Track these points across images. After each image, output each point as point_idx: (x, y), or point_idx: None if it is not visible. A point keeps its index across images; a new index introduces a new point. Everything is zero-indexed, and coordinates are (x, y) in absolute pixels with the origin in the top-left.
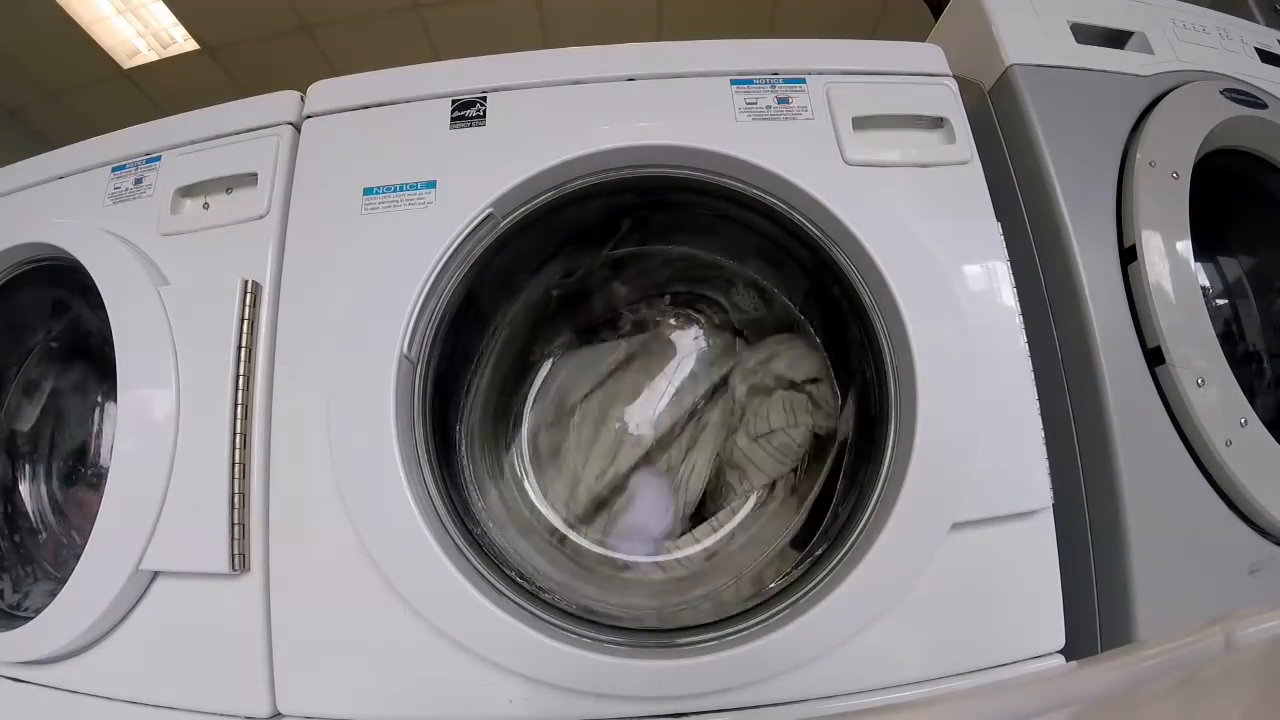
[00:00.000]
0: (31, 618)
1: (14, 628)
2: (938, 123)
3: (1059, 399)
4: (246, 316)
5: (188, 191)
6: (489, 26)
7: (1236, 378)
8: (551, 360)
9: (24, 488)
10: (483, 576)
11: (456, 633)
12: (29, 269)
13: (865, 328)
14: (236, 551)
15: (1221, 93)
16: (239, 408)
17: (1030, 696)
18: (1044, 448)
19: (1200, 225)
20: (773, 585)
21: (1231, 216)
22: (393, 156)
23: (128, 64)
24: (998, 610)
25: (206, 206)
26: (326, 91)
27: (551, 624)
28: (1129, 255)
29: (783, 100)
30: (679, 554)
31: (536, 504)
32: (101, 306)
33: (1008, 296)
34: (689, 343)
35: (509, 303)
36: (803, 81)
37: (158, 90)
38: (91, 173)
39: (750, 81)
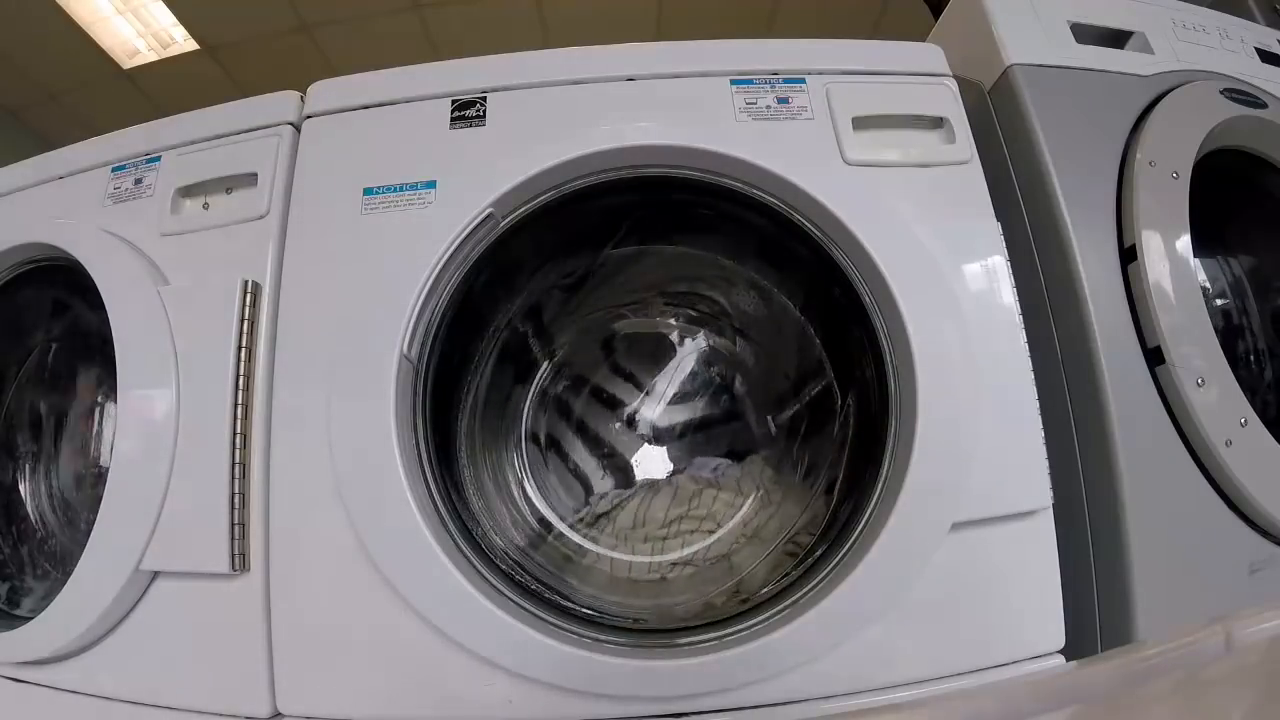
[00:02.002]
0: (32, 618)
1: (14, 628)
2: (938, 123)
3: (1059, 399)
4: (246, 316)
5: (188, 191)
6: (489, 26)
7: (1236, 378)
8: (551, 361)
9: (24, 488)
10: (482, 576)
11: (456, 633)
12: (29, 269)
13: (865, 328)
14: (236, 551)
15: (1221, 92)
16: (239, 408)
17: (1030, 696)
18: (1044, 448)
19: (1200, 225)
20: (765, 590)
21: (1231, 216)
22: (393, 156)
23: (128, 64)
24: (997, 610)
25: (206, 206)
26: (326, 91)
27: (551, 624)
28: (1129, 255)
29: (783, 100)
30: (678, 554)
31: (537, 504)
32: (101, 306)
33: (1008, 296)
34: (689, 343)
35: (509, 303)
36: (803, 81)
37: (158, 90)
38: (91, 173)
39: (750, 81)
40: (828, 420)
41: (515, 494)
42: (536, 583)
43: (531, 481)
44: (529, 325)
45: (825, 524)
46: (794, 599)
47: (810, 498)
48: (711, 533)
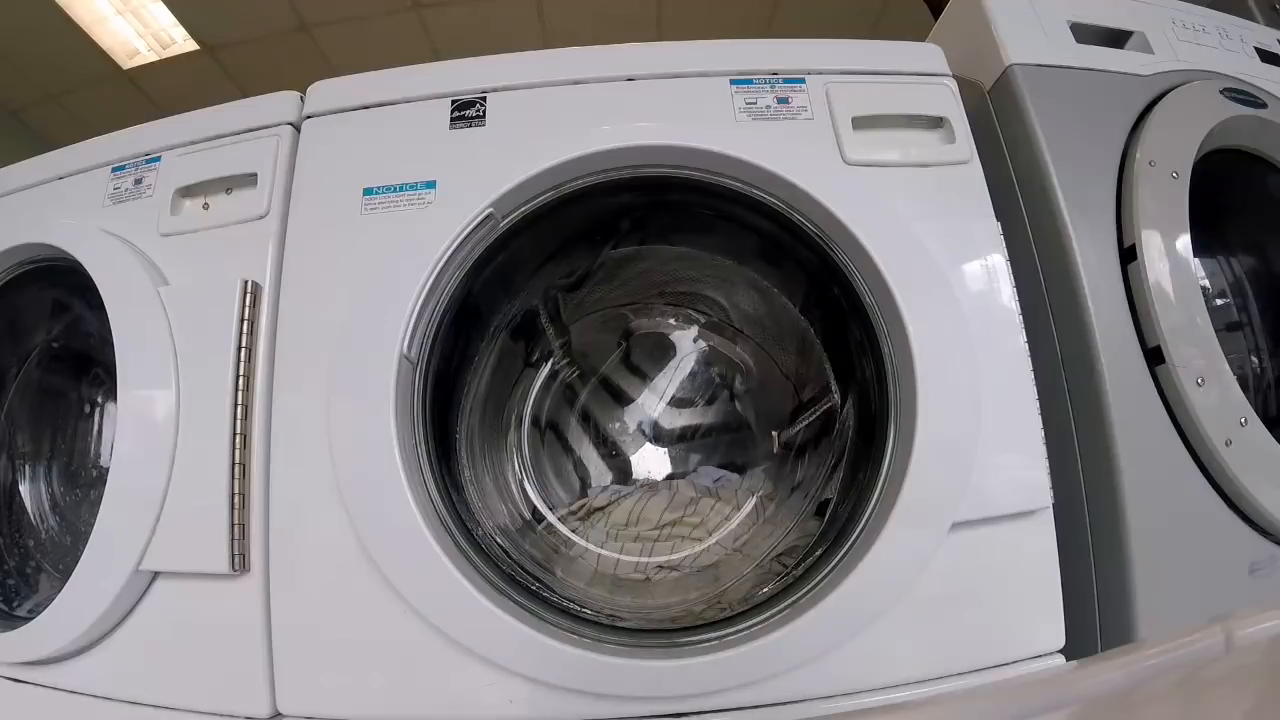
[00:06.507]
0: (32, 618)
1: (14, 628)
2: (937, 122)
3: (1059, 399)
4: (246, 317)
5: (188, 192)
6: (489, 26)
7: (1236, 377)
8: (551, 361)
9: (24, 489)
10: (483, 576)
11: (457, 632)
12: (29, 269)
13: (865, 328)
14: (236, 552)
15: (1221, 92)
16: (239, 408)
17: (1030, 696)
18: (1044, 448)
19: (1200, 225)
20: (765, 591)
21: (1231, 216)
22: (393, 156)
23: (128, 64)
24: (998, 610)
25: (206, 207)
26: (326, 91)
27: (552, 624)
28: (1129, 255)
29: (782, 100)
30: (665, 557)
31: (537, 504)
32: (101, 306)
33: (1007, 296)
34: (688, 343)
35: (509, 303)
36: (802, 81)
37: (158, 90)
38: (91, 173)
39: (750, 81)
40: (828, 429)
41: (516, 493)
42: (522, 572)
43: (532, 481)
44: (528, 325)
45: (811, 545)
46: (794, 599)
47: (801, 518)
48: (701, 541)
